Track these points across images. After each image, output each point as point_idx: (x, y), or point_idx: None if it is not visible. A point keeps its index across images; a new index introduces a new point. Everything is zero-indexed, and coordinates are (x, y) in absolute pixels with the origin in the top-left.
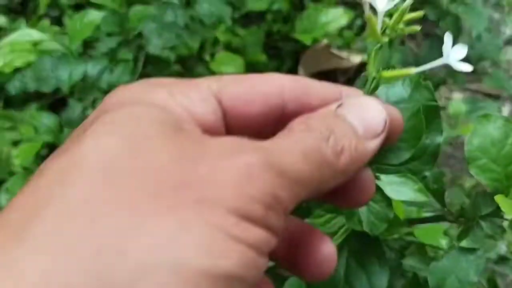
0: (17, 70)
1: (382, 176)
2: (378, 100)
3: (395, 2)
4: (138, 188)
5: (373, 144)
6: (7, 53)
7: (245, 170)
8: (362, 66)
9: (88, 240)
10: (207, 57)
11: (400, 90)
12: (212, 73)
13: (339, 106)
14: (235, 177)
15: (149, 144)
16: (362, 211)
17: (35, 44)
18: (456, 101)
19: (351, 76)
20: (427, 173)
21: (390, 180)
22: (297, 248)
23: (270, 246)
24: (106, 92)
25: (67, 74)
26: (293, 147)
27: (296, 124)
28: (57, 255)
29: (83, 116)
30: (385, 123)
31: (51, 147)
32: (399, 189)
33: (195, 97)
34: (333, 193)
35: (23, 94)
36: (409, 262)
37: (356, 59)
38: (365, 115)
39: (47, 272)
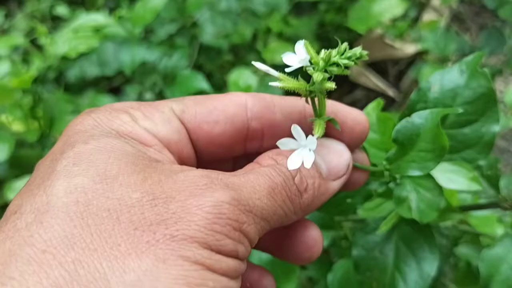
0: (81, 55)
1: None
2: (342, 144)
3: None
4: (115, 227)
5: (335, 185)
6: (71, 38)
7: (216, 209)
8: (415, 56)
9: (72, 280)
10: (259, 46)
11: (456, 77)
12: (264, 62)
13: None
14: (207, 215)
15: (121, 182)
16: (413, 198)
17: (97, 30)
18: None
19: (402, 68)
20: (481, 162)
21: (443, 168)
22: (286, 238)
23: (240, 271)
24: (164, 76)
25: (129, 58)
26: (261, 184)
27: (265, 159)
28: None
29: None
30: (348, 166)
31: None
32: (452, 178)
33: (158, 119)
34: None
35: (80, 81)
36: (463, 251)
37: (409, 49)
38: (330, 157)
39: None
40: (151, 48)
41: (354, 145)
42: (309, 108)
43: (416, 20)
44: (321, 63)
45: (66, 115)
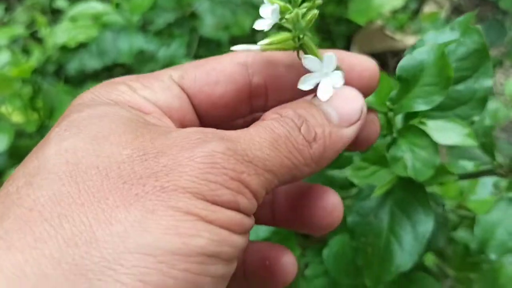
0: (80, 46)
1: (430, 122)
2: (353, 89)
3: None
4: (104, 183)
5: (349, 132)
6: (70, 28)
7: (209, 158)
8: None
9: (57, 233)
10: (259, 39)
11: (450, 35)
12: None
13: (315, 95)
14: (199, 165)
15: (112, 141)
16: (408, 157)
17: (96, 18)
18: None
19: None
20: (476, 118)
21: (437, 126)
22: (302, 206)
23: (246, 227)
24: (163, 65)
25: (127, 46)
26: (262, 135)
27: (269, 114)
28: (28, 249)
29: None
30: (361, 111)
31: None
32: (447, 134)
33: (157, 87)
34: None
35: (80, 74)
36: (461, 235)
37: (409, 41)
38: (340, 103)
39: (21, 265)
40: (149, 37)
41: (364, 94)
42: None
43: (416, 12)
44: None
45: (66, 106)
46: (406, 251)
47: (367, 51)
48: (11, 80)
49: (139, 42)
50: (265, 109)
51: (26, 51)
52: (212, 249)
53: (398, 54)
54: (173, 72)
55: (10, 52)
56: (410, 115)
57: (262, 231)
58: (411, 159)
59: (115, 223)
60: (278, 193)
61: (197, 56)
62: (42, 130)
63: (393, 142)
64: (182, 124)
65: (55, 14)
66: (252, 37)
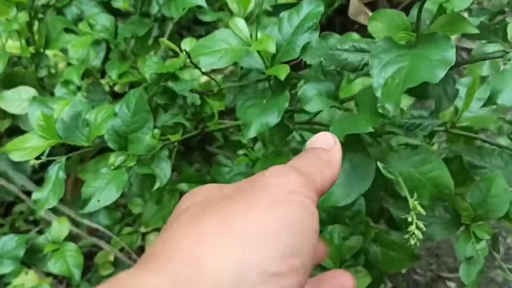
0: None
1: None
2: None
3: None
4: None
5: (336, 149)
6: None
7: None
8: None
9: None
10: None
11: None
12: None
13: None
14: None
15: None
16: None
17: None
18: None
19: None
20: None
21: None
22: None
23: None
24: None
25: None
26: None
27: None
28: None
29: None
30: (332, 136)
31: None
32: None
33: None
34: None
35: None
36: (455, 149)
37: None
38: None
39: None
40: None
41: None
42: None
43: None
44: None
45: (62, 34)
46: None
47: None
48: (7, 3)
49: None
50: None
51: None
52: None
53: (398, 3)
54: None
55: None
56: None
57: None
58: None
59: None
60: None
61: None
62: (36, 58)
63: None
64: None
65: None
66: None
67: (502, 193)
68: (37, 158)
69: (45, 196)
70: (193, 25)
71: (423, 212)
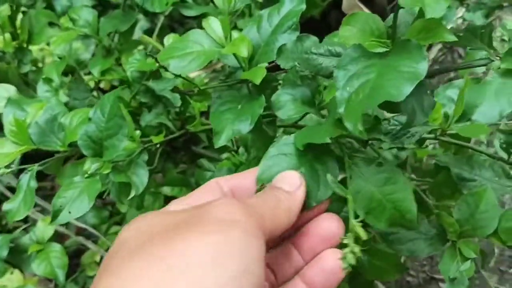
0: None
1: None
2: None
3: None
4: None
5: (299, 193)
6: None
7: None
8: None
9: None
10: None
11: None
12: None
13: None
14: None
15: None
16: None
17: None
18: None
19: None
20: None
21: None
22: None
23: None
24: None
25: None
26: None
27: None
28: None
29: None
30: (299, 177)
31: None
32: None
33: None
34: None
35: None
36: (443, 159)
37: None
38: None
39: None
40: None
41: None
42: None
43: None
44: None
45: (46, 28)
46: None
47: None
48: None
49: None
50: None
51: None
52: None
53: None
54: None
55: None
56: None
57: None
58: None
59: None
60: None
61: None
62: (19, 54)
63: None
64: None
65: None
66: None
67: (491, 209)
68: (8, 166)
69: (16, 206)
70: (186, 18)
71: (364, 236)
